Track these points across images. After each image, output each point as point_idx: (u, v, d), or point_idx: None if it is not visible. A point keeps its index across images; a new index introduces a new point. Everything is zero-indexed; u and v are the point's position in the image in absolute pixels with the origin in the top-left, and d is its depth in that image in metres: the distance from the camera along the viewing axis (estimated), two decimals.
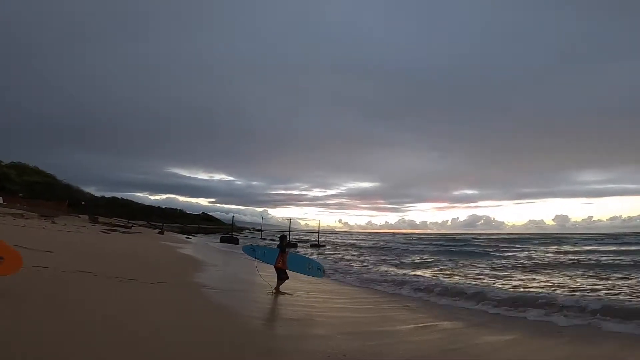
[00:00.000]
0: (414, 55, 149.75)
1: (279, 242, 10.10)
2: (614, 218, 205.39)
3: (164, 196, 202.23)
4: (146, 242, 21.54)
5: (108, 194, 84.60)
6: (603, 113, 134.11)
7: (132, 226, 40.33)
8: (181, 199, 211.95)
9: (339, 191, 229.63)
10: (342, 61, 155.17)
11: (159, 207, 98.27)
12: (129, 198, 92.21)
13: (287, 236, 9.85)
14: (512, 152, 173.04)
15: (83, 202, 53.83)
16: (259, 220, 72.62)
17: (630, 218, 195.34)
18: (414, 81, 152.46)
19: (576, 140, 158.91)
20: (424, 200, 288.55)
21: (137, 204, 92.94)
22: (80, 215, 39.70)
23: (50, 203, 40.96)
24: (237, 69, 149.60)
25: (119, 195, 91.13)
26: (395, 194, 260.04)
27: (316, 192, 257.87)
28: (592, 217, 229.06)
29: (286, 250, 9.85)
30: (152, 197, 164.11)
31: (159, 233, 38.22)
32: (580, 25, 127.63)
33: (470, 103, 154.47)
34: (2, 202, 34.12)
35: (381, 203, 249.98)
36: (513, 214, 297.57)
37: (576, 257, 23.66)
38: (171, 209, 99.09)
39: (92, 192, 76.81)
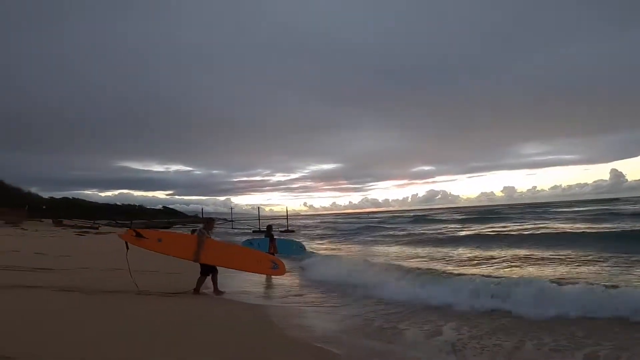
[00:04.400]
0: (370, 38, 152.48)
1: (265, 232, 12.01)
2: (554, 187, 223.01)
3: (116, 192, 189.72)
4: None
5: (54, 194, 79.68)
6: (542, 90, 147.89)
7: (99, 226, 39.48)
8: (136, 193, 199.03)
9: (302, 174, 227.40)
10: (300, 45, 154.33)
11: (115, 204, 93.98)
12: (77, 196, 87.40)
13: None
14: (462, 128, 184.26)
15: (44, 207, 50.90)
16: (223, 210, 72.70)
17: (569, 187, 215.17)
18: (370, 64, 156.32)
19: (518, 115, 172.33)
20: (385, 178, 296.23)
21: (93, 202, 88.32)
22: (42, 220, 38.14)
23: (7, 209, 38.67)
24: (190, 56, 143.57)
25: (66, 194, 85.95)
26: (357, 174, 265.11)
27: (279, 177, 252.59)
28: (535, 187, 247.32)
29: (274, 237, 11.83)
30: (102, 194, 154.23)
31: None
32: (524, 7, 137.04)
33: (425, 85, 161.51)
34: None
35: (344, 184, 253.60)
36: (466, 187, 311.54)
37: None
38: (129, 205, 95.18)
39: (36, 193, 72.12)
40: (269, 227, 12.34)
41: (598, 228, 18.66)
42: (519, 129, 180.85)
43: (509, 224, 27.17)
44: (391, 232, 26.54)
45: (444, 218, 46.88)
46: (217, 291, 6.74)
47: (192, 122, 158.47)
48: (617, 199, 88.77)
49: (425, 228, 29.23)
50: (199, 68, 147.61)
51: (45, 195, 75.93)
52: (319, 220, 71.08)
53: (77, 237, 23.09)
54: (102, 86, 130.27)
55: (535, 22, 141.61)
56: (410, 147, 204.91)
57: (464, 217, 44.62)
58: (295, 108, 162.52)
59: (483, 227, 26.43)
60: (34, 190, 74.10)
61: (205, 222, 7.46)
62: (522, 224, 26.68)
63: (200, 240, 6.73)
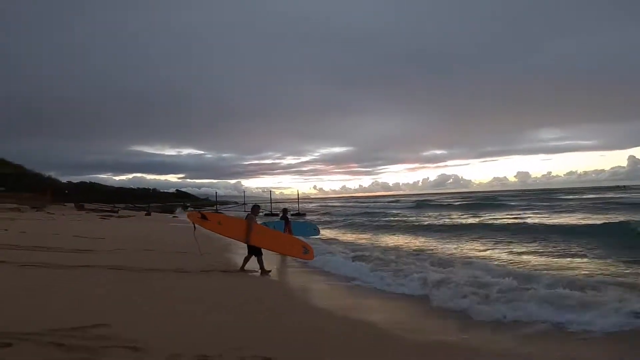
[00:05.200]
0: (381, 22, 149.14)
1: (281, 215, 12.62)
2: (570, 173, 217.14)
3: (130, 176, 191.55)
4: (153, 224, 23.09)
5: (70, 179, 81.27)
6: (558, 76, 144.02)
7: (118, 210, 40.71)
8: (149, 177, 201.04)
9: (312, 157, 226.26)
10: (312, 30, 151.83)
11: (130, 188, 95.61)
12: (92, 181, 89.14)
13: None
14: (476, 113, 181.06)
15: (67, 191, 52.39)
16: (234, 193, 74.01)
17: (585, 173, 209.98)
18: (380, 48, 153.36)
19: (534, 100, 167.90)
20: (396, 162, 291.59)
21: (110, 186, 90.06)
22: (65, 204, 39.43)
23: (30, 194, 39.98)
24: (203, 41, 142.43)
25: (81, 178, 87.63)
26: (368, 157, 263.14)
27: (289, 160, 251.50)
28: (550, 172, 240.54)
29: (289, 220, 12.42)
30: (116, 178, 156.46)
31: (146, 215, 38.82)
32: None
33: (437, 69, 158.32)
34: None
35: (354, 167, 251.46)
36: (479, 172, 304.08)
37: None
38: (144, 188, 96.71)
39: (56, 178, 73.52)
40: (285, 210, 12.93)
41: (589, 220, 18.88)
42: (535, 114, 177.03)
43: (498, 214, 27.17)
44: (385, 219, 27.09)
45: (444, 203, 47.28)
46: (263, 271, 7.43)
47: (203, 106, 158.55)
48: (624, 187, 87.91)
49: (421, 215, 29.96)
50: (209, 53, 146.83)
51: (63, 180, 77.46)
52: (318, 204, 72.33)
53: (102, 220, 24.06)
54: (114, 73, 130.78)
55: (553, 9, 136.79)
56: (422, 130, 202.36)
57: (464, 203, 44.75)
58: (306, 91, 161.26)
59: (470, 216, 26.80)
60: (49, 175, 75.34)
61: (252, 209, 8.28)
62: (515, 213, 26.84)
63: (249, 225, 7.53)
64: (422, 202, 51.87)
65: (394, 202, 62.68)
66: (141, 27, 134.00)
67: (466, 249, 11.62)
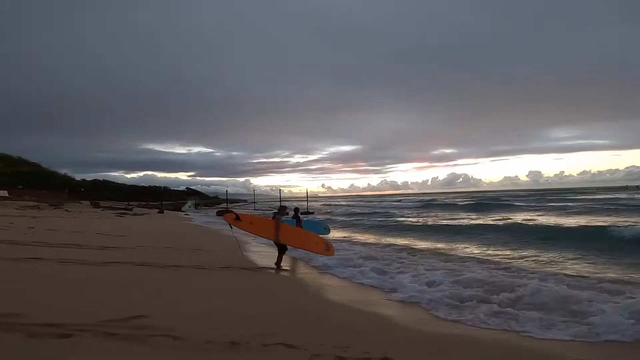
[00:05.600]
0: (391, 18, 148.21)
1: (293, 214, 13.00)
2: (584, 173, 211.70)
3: (141, 174, 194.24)
4: (166, 222, 23.73)
5: (84, 176, 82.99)
6: (571, 74, 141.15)
7: (132, 207, 41.63)
8: (159, 175, 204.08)
9: (320, 156, 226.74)
10: (320, 26, 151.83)
11: (142, 186, 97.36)
12: (104, 178, 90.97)
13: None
14: (486, 111, 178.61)
15: (82, 189, 53.66)
16: (242, 191, 74.82)
17: (599, 172, 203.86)
18: (389, 46, 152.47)
19: (547, 98, 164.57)
20: (405, 160, 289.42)
21: (122, 184, 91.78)
22: (81, 202, 40.44)
23: (46, 192, 41.13)
24: (212, 40, 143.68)
25: (94, 176, 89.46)
26: (376, 155, 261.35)
27: (298, 158, 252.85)
28: (563, 172, 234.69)
29: (300, 219, 12.77)
30: (128, 176, 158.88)
31: (158, 212, 39.73)
32: None
33: (447, 66, 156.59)
34: (7, 195, 34.41)
35: (363, 165, 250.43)
36: (489, 171, 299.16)
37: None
38: (155, 186, 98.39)
39: (70, 176, 75.13)
40: (297, 209, 13.29)
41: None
42: (547, 112, 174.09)
43: (503, 214, 26.84)
44: (392, 218, 27.20)
45: (451, 203, 47.10)
46: (279, 268, 7.99)
47: (213, 104, 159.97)
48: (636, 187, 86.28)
49: (427, 215, 30.21)
50: (219, 52, 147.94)
51: (76, 178, 79.14)
52: (325, 203, 72.76)
53: (119, 218, 24.79)
54: (124, 73, 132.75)
55: (566, 5, 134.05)
56: (432, 129, 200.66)
57: (470, 203, 44.32)
58: (314, 89, 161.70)
59: (475, 216, 26.76)
60: (64, 172, 77.00)
61: (279, 209, 8.78)
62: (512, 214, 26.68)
63: (277, 224, 8.07)
64: (429, 202, 51.80)
65: (401, 202, 62.70)
66: (150, 26, 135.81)
67: (471, 249, 11.85)
